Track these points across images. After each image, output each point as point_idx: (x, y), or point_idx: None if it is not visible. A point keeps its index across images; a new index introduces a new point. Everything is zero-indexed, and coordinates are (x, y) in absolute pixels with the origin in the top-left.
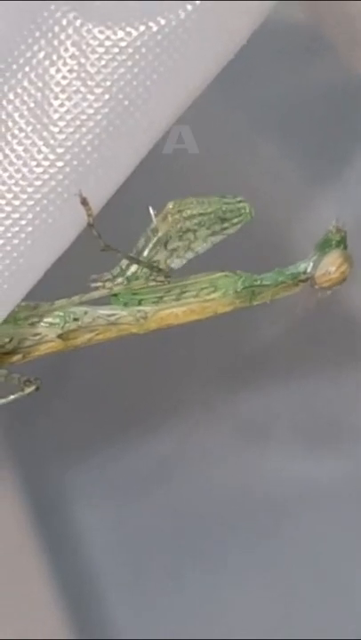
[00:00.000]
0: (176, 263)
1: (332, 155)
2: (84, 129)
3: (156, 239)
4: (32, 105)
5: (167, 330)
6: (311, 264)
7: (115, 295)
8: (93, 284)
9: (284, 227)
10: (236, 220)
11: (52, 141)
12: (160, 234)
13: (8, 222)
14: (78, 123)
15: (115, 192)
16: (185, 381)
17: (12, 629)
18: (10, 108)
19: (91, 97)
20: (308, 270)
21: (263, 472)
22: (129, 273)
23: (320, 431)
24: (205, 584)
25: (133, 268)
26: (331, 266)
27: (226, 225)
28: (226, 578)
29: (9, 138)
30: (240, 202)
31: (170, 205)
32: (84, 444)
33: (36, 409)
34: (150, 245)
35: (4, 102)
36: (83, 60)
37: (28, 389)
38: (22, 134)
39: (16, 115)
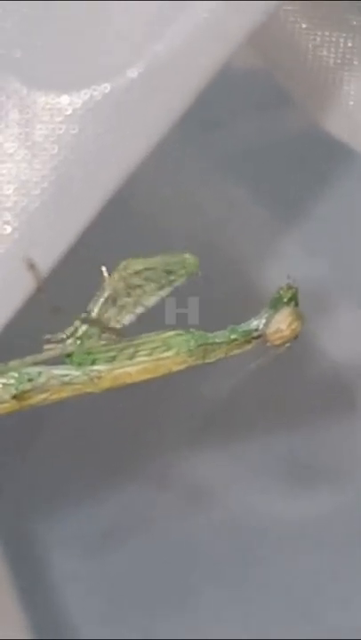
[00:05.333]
0: (126, 319)
1: (294, 205)
2: (31, 196)
3: (104, 297)
4: None
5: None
6: (263, 321)
7: (68, 355)
8: (46, 346)
9: (247, 277)
10: (182, 272)
11: None
12: (108, 292)
13: None
14: (24, 191)
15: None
16: (157, 431)
17: None
18: None
19: (37, 165)
20: (260, 328)
21: (240, 516)
22: (81, 333)
23: (295, 473)
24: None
25: (85, 327)
26: (282, 323)
27: (172, 277)
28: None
29: None
30: (185, 254)
31: (121, 265)
32: (57, 494)
33: (9, 458)
34: (99, 304)
35: None
36: (29, 129)
37: None
38: None
39: None
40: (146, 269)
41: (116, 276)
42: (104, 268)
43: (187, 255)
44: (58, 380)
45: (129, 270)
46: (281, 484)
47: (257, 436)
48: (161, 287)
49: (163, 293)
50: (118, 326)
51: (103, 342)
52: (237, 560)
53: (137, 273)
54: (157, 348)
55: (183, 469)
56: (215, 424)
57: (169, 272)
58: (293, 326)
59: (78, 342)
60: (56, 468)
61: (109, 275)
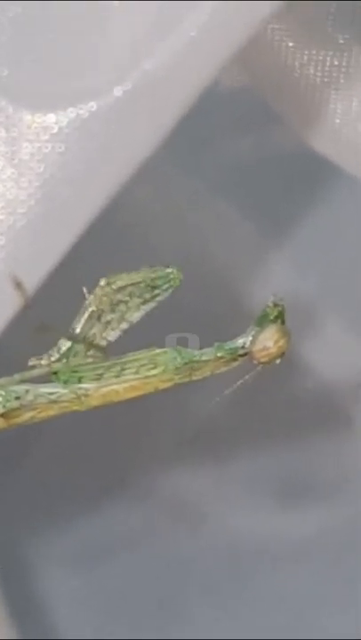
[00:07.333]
0: (112, 335)
1: (281, 222)
2: (17, 214)
3: (88, 314)
4: None
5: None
6: (250, 339)
7: (55, 373)
8: (33, 364)
9: (237, 292)
10: (165, 286)
11: None
12: (92, 308)
13: None
14: (11, 209)
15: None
16: (147, 447)
17: None
18: None
19: (24, 183)
20: (247, 345)
21: (231, 533)
22: (66, 350)
23: (285, 489)
24: None
25: (70, 345)
26: (268, 340)
27: (156, 292)
28: None
29: None
30: (168, 267)
31: (102, 282)
32: (48, 510)
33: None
34: (83, 320)
35: None
36: (15, 148)
37: None
38: None
39: None
40: (130, 285)
41: (99, 292)
42: (85, 289)
43: (169, 269)
44: (45, 397)
45: (113, 286)
46: (272, 499)
47: (246, 452)
48: (145, 302)
49: (146, 308)
50: (104, 343)
51: (89, 360)
52: (230, 575)
53: (121, 289)
54: (144, 365)
55: (174, 485)
56: (205, 440)
57: (153, 287)
58: (280, 344)
59: (64, 360)
60: (46, 484)
61: (90, 293)
